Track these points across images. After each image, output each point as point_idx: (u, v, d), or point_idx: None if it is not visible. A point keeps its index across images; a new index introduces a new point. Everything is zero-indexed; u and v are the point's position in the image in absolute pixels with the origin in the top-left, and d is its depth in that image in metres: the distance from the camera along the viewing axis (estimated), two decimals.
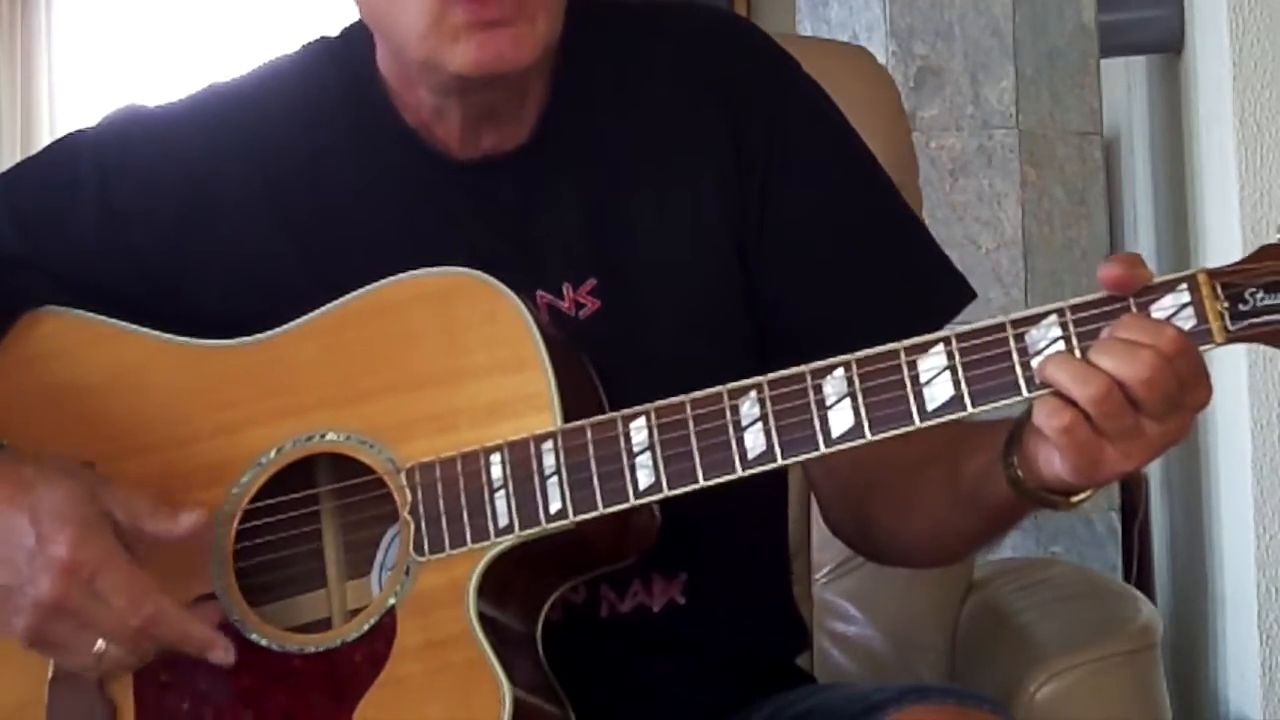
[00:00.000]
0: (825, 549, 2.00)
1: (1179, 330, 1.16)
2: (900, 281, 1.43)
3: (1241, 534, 2.78)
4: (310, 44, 1.51)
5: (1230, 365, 2.67)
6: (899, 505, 1.39)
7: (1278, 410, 2.73)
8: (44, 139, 4.11)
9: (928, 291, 1.43)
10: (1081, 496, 1.22)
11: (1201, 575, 3.00)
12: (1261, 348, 1.19)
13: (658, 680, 1.45)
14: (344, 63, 1.47)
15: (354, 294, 1.35)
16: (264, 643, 1.33)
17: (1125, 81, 3.41)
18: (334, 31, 1.53)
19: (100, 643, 1.29)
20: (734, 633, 1.48)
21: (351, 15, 1.43)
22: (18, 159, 1.79)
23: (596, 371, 1.35)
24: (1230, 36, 2.73)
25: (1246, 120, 2.74)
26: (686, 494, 1.27)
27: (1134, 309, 1.17)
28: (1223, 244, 2.83)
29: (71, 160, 1.48)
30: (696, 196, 1.42)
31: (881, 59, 2.80)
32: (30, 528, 1.28)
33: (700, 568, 1.44)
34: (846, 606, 2.00)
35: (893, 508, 1.40)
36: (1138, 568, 3.09)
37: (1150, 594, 3.04)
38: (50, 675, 1.35)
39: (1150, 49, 3.17)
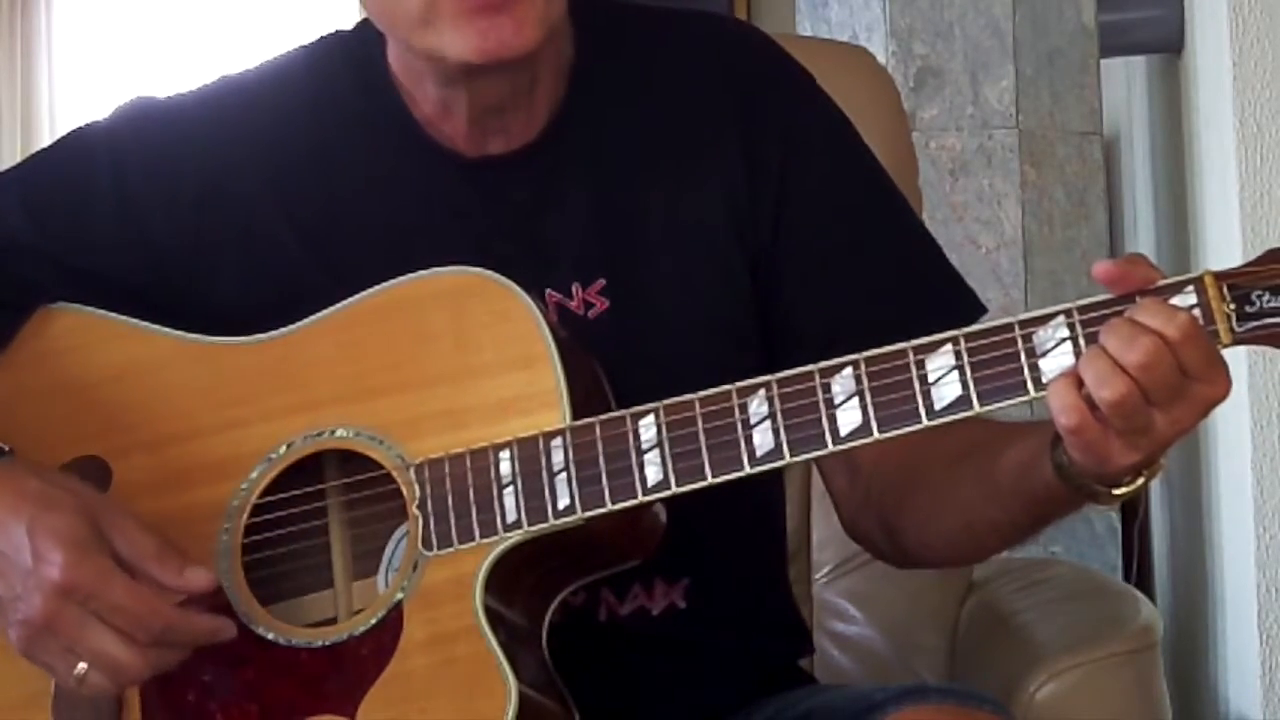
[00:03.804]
0: (825, 549, 2.00)
1: (1191, 316, 1.16)
2: (915, 294, 1.43)
3: (1241, 534, 2.78)
4: (323, 38, 1.51)
5: (1230, 365, 2.65)
6: (931, 503, 1.38)
7: (1278, 410, 2.73)
8: (44, 139, 4.10)
9: (942, 305, 1.43)
10: (1123, 490, 1.22)
11: (1201, 575, 3.00)
12: (1262, 347, 1.20)
13: (657, 680, 1.45)
14: (355, 57, 1.47)
15: (368, 291, 1.35)
16: (271, 636, 1.33)
17: (1125, 81, 3.40)
18: (337, 29, 1.53)
19: (81, 666, 1.28)
20: (733, 637, 1.48)
21: (354, 14, 1.43)
22: (18, 159, 1.78)
23: (604, 372, 1.35)
24: (1230, 36, 2.73)
25: (1246, 120, 2.74)
26: (693, 500, 1.27)
27: None
28: (1223, 244, 2.83)
29: (86, 153, 1.47)
30: (705, 201, 1.43)
31: (881, 59, 2.80)
32: (27, 544, 1.27)
33: (703, 573, 1.44)
34: (846, 606, 2.00)
35: (924, 507, 1.39)
36: (1138, 568, 3.09)
37: (1150, 594, 3.03)
38: None
39: (1150, 49, 3.17)
